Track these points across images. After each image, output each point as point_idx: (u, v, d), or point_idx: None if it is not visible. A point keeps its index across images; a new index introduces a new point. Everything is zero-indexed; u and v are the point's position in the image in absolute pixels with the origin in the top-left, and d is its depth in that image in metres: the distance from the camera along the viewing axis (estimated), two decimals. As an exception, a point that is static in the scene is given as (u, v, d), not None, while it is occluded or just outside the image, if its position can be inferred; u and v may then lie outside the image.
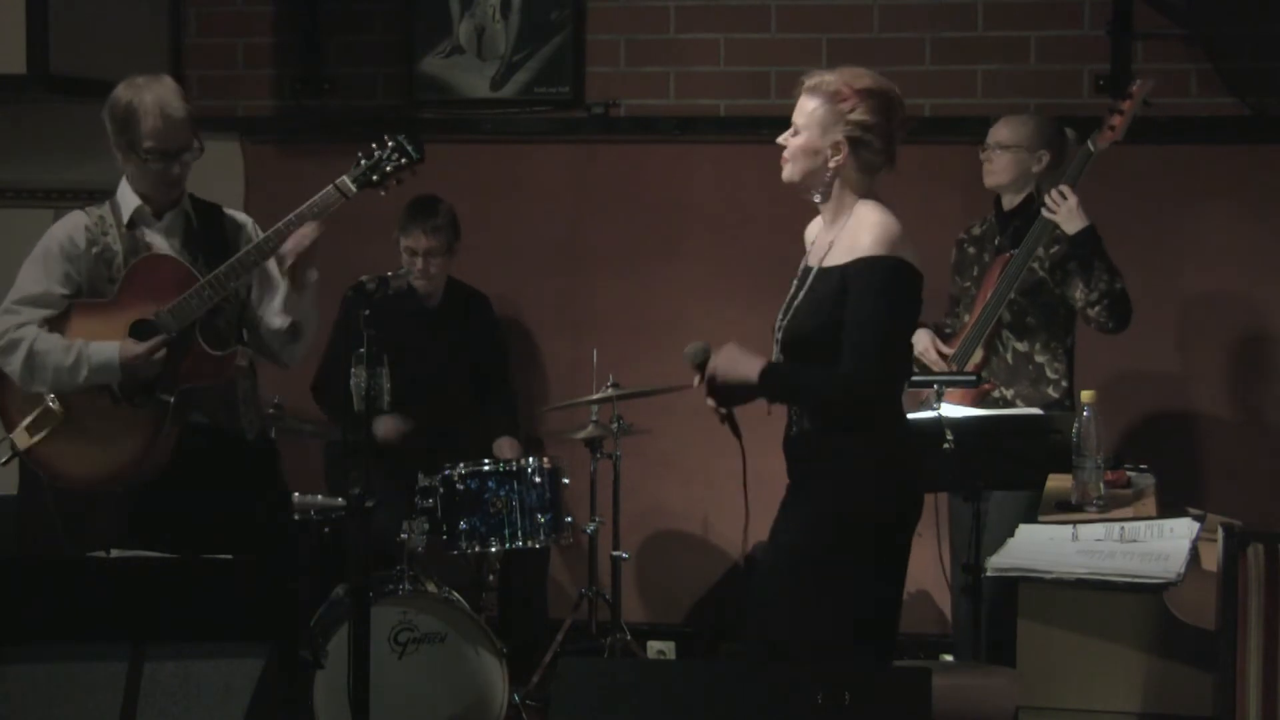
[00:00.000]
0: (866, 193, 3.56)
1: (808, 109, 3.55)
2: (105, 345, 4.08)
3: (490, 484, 4.98)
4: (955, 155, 5.63)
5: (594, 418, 5.33)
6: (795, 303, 3.59)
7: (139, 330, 4.09)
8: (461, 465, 5.00)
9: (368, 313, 3.89)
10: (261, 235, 4.17)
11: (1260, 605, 2.68)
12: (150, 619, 3.33)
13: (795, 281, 3.66)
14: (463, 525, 4.96)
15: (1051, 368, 4.82)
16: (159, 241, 4.20)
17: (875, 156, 3.54)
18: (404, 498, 4.99)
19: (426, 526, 4.83)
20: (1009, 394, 4.82)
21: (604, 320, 5.94)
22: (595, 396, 5.30)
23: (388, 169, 4.09)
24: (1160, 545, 3.16)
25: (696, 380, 3.61)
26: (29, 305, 4.14)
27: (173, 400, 4.10)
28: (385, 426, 5.22)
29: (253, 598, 3.42)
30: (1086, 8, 5.65)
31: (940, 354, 4.90)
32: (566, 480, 5.16)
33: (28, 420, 4.18)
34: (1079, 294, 4.76)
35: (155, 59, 6.11)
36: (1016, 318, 4.82)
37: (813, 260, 3.62)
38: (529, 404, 5.85)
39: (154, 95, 4.11)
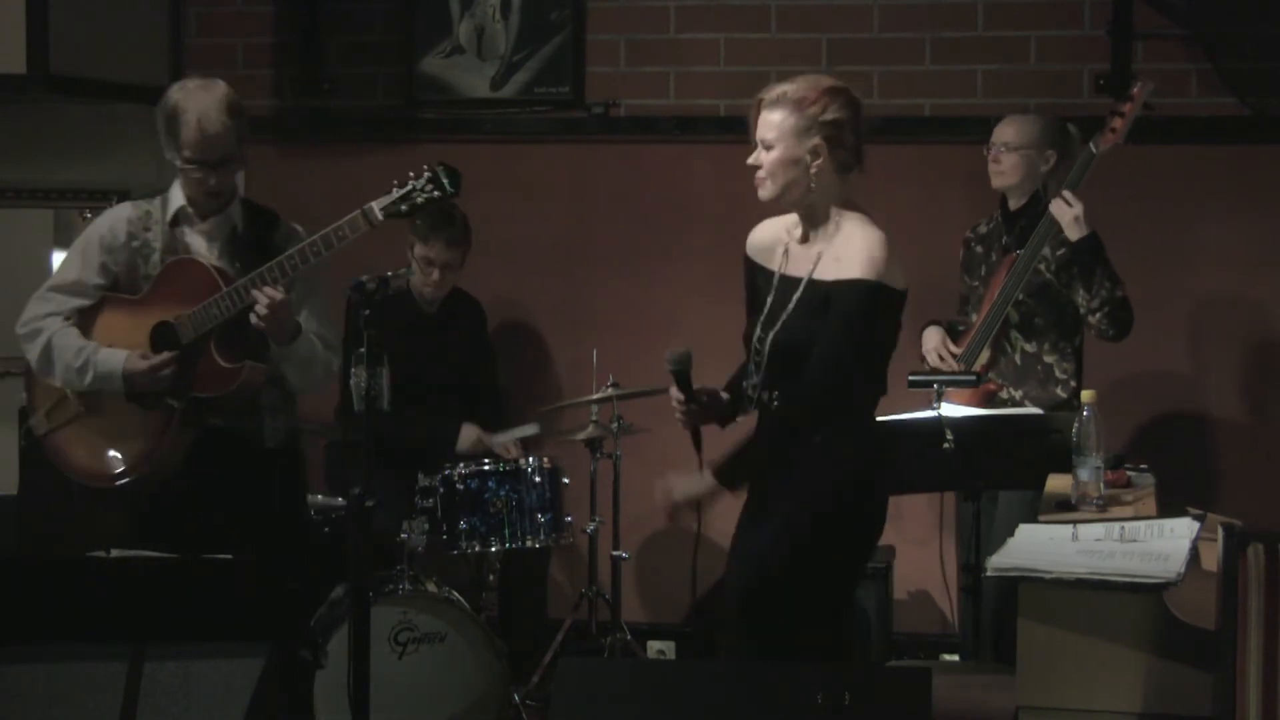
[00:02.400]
0: (844, 196, 3.60)
1: (775, 121, 3.56)
2: (113, 354, 4.11)
3: (490, 484, 4.98)
4: (955, 155, 5.64)
5: (594, 418, 5.33)
6: (786, 314, 3.60)
7: (160, 333, 4.11)
8: (461, 465, 5.00)
9: (368, 312, 3.88)
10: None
11: (1260, 605, 2.67)
12: (150, 619, 3.33)
13: (774, 290, 3.67)
14: (463, 525, 4.96)
15: (1060, 368, 4.81)
16: (199, 244, 4.20)
17: (849, 155, 3.58)
18: (404, 498, 4.99)
19: (426, 526, 4.83)
20: (1017, 394, 4.81)
21: (604, 320, 5.93)
22: (595, 396, 5.30)
23: (419, 200, 3.98)
24: (1160, 545, 3.16)
25: (673, 389, 3.64)
26: (62, 293, 4.20)
27: (179, 407, 4.11)
28: (469, 435, 5.32)
29: (253, 598, 3.42)
30: (1086, 8, 5.64)
31: (949, 353, 4.89)
32: (566, 480, 5.16)
33: (47, 407, 4.25)
34: (1080, 300, 4.76)
35: (155, 59, 6.12)
36: (1024, 318, 4.81)
37: (796, 270, 3.64)
38: (529, 404, 5.84)
39: (199, 105, 4.08)
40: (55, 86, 5.59)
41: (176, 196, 4.21)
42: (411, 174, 3.99)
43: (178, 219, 4.20)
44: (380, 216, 3.99)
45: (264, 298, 3.99)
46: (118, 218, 4.23)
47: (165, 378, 4.09)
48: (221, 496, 4.13)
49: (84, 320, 4.19)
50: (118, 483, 4.18)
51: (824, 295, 3.54)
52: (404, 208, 3.99)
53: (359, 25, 6.09)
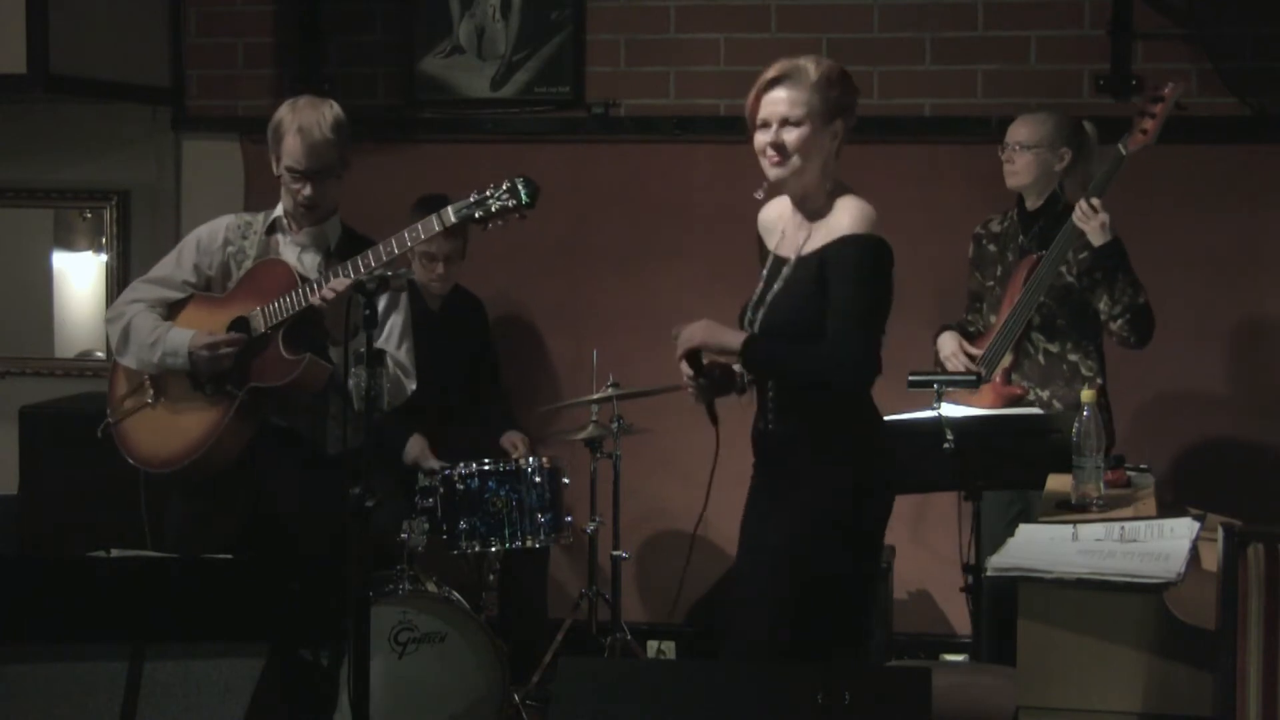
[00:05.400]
0: (836, 177, 3.60)
1: (801, 100, 3.53)
2: (181, 332, 4.29)
3: (490, 484, 4.98)
4: (955, 155, 5.64)
5: (594, 418, 5.33)
6: (772, 293, 3.60)
7: (236, 326, 4.25)
8: (461, 465, 5.00)
9: (368, 313, 3.88)
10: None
11: (1260, 605, 2.68)
12: (150, 619, 3.32)
13: (765, 273, 3.67)
14: (463, 525, 4.96)
15: (1085, 365, 4.78)
16: (290, 253, 4.33)
17: (844, 140, 3.59)
18: (404, 498, 4.99)
19: (426, 526, 4.83)
20: (1044, 395, 4.77)
21: (604, 320, 5.94)
22: (595, 396, 5.30)
23: (494, 208, 4.01)
24: (1160, 545, 3.16)
25: (683, 365, 3.63)
26: (153, 284, 4.43)
27: (240, 395, 4.22)
28: (415, 448, 5.27)
29: (253, 598, 3.42)
30: (1086, 8, 5.64)
31: (968, 355, 4.85)
32: (566, 480, 5.15)
33: (123, 394, 4.43)
34: (1103, 306, 4.74)
35: (155, 59, 6.12)
36: (1046, 320, 4.78)
37: (786, 251, 3.63)
38: (529, 404, 5.85)
39: (302, 117, 4.24)
40: (55, 86, 5.60)
41: (277, 208, 4.38)
42: (492, 184, 4.02)
43: (273, 227, 4.36)
44: (453, 219, 4.05)
45: (333, 284, 4.08)
46: (219, 224, 4.43)
47: (227, 357, 4.22)
48: (273, 494, 4.25)
49: (169, 313, 4.37)
50: (171, 468, 4.31)
51: (817, 262, 3.51)
52: (477, 214, 4.03)
53: (359, 25, 6.09)
